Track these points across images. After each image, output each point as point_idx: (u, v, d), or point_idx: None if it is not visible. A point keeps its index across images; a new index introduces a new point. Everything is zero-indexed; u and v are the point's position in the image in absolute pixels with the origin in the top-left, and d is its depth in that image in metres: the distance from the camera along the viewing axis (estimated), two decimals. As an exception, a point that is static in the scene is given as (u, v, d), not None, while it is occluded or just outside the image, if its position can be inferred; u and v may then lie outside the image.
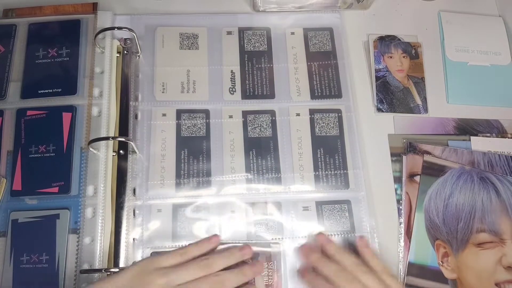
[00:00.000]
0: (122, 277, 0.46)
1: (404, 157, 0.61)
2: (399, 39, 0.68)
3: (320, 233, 0.56)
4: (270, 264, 0.55)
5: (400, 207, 0.59)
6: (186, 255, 0.49)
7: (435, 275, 0.56)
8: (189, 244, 0.52)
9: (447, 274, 0.56)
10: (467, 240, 0.56)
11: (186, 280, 0.47)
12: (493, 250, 0.56)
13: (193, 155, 0.59)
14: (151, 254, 0.54)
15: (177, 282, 0.46)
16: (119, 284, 0.46)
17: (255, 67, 0.64)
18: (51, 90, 0.59)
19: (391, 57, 0.66)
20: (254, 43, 0.65)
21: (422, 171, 0.60)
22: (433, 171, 0.60)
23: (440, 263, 0.56)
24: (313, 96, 0.63)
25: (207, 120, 0.61)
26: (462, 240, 0.56)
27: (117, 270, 0.52)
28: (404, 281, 0.56)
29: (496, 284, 0.55)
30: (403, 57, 0.67)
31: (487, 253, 0.56)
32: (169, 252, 0.50)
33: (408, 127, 0.63)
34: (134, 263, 0.50)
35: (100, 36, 0.60)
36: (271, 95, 0.63)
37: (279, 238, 0.56)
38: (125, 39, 0.62)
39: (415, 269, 0.56)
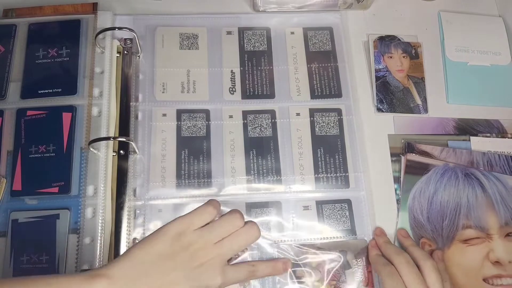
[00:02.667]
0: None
1: (402, 158, 0.61)
2: (399, 39, 0.68)
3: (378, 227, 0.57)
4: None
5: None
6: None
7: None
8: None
9: (434, 271, 0.56)
10: (452, 237, 0.56)
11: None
12: (480, 245, 0.56)
13: (193, 155, 0.59)
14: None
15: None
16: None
17: (255, 67, 0.64)
18: (51, 90, 0.59)
19: (391, 57, 0.66)
20: (254, 43, 0.65)
21: (405, 170, 0.60)
22: (416, 169, 0.60)
23: (426, 261, 0.56)
24: (313, 96, 0.63)
25: (208, 121, 0.61)
26: (447, 237, 0.56)
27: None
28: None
29: (484, 280, 0.55)
30: (403, 57, 0.67)
31: (474, 249, 0.56)
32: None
33: (408, 127, 0.63)
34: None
35: (100, 36, 0.60)
36: (271, 95, 0.63)
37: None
38: (125, 39, 0.62)
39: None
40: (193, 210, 0.49)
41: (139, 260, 0.44)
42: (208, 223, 0.48)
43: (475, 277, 0.55)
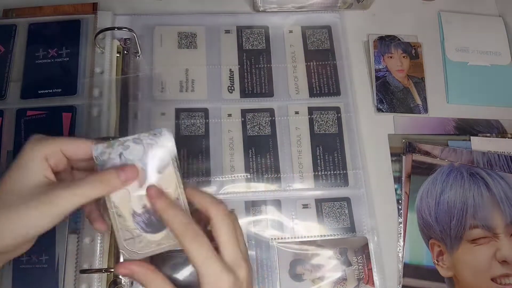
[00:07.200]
0: None
1: (403, 157, 0.61)
2: (399, 39, 0.68)
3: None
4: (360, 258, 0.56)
5: (400, 207, 0.59)
6: None
7: (431, 274, 0.56)
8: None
9: (443, 272, 0.56)
10: (460, 237, 0.57)
11: None
12: (487, 245, 0.56)
13: (192, 154, 0.59)
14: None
15: None
16: None
17: (254, 66, 0.64)
18: (51, 90, 0.59)
19: (391, 57, 0.66)
20: (253, 41, 0.65)
21: (412, 171, 0.60)
22: (422, 170, 0.60)
23: (436, 262, 0.56)
24: (312, 94, 0.63)
25: (206, 120, 0.61)
26: (456, 238, 0.56)
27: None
28: (401, 282, 0.56)
29: (492, 279, 0.55)
30: (403, 57, 0.67)
31: (481, 248, 0.56)
32: None
33: (408, 127, 0.63)
34: None
35: (100, 36, 0.60)
36: (269, 94, 0.63)
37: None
38: (125, 39, 0.62)
39: (411, 270, 0.56)
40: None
41: None
42: None
43: (484, 277, 0.55)
